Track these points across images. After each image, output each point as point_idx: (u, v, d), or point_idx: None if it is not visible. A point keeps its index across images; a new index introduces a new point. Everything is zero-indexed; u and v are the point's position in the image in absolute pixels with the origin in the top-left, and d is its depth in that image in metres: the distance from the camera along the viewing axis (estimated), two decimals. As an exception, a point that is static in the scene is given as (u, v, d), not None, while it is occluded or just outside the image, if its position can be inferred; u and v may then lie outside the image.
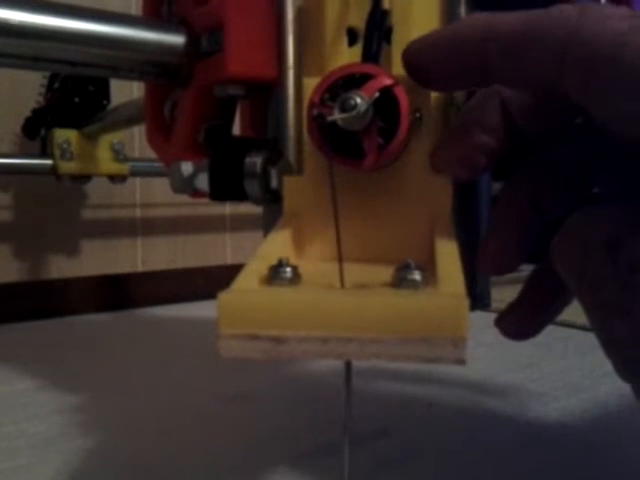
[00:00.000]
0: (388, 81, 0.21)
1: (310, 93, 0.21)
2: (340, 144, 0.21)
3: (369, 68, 0.21)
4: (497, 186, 0.29)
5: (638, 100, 0.17)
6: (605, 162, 0.22)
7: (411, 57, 0.21)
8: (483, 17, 0.20)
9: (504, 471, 0.34)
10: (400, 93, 0.21)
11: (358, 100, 0.20)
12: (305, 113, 0.22)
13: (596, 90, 0.18)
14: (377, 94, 0.20)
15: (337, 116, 0.20)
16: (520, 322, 0.25)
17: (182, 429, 0.40)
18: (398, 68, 0.26)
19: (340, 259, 0.19)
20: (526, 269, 0.25)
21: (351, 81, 0.21)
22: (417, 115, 0.23)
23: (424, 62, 0.21)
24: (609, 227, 0.18)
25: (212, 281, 0.92)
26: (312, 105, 0.21)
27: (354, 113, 0.20)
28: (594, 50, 0.17)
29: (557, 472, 0.33)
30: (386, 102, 0.21)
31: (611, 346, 0.19)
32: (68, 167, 0.73)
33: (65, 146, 0.73)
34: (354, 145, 0.21)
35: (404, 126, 0.21)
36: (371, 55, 0.23)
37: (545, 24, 0.18)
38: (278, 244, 0.21)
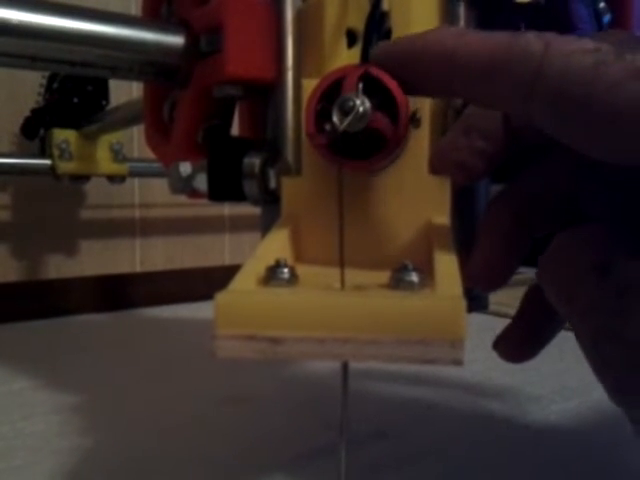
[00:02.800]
0: (360, 70, 0.21)
1: (309, 95, 0.21)
2: (342, 147, 0.21)
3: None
4: (495, 189, 0.29)
5: (612, 135, 0.16)
6: (590, 182, 0.22)
7: (379, 62, 0.21)
8: (450, 38, 0.19)
9: (502, 474, 0.34)
10: (390, 83, 0.20)
11: (357, 101, 0.20)
12: (304, 115, 0.22)
13: (566, 127, 0.17)
14: (360, 85, 0.20)
15: (345, 123, 0.20)
16: (518, 345, 0.25)
17: (179, 430, 0.40)
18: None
19: (342, 260, 0.19)
20: (523, 271, 0.25)
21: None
22: (416, 117, 0.23)
23: (391, 68, 0.21)
24: (598, 250, 0.18)
25: (211, 282, 0.92)
26: (315, 113, 0.21)
27: (354, 113, 0.20)
28: (561, 89, 0.17)
29: (556, 475, 0.33)
30: (385, 102, 0.21)
31: (603, 371, 0.19)
32: (67, 167, 0.73)
33: (64, 146, 0.73)
34: (354, 146, 0.21)
35: (403, 117, 0.20)
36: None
37: (509, 59, 0.18)
38: (276, 245, 0.21)
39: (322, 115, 0.21)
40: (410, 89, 0.21)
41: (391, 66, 0.20)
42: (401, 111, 0.20)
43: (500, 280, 0.23)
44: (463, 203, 0.27)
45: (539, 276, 0.20)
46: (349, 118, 0.20)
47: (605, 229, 0.19)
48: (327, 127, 0.21)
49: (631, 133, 0.16)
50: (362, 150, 0.21)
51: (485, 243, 0.23)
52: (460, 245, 0.20)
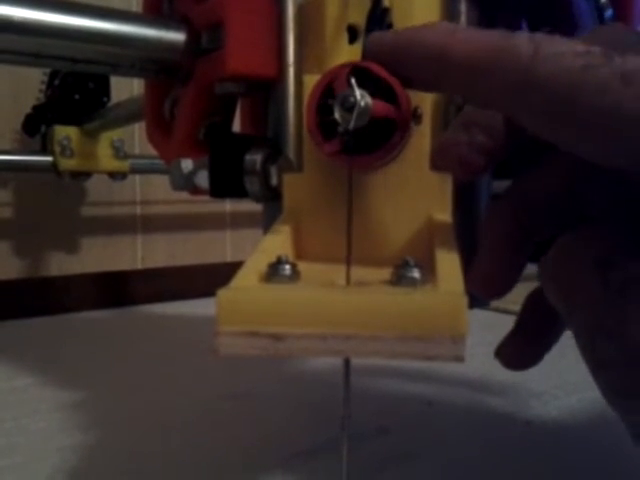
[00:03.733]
0: (347, 67, 0.20)
1: (310, 91, 0.21)
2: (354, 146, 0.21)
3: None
4: (497, 184, 0.29)
5: (597, 138, 0.16)
6: (590, 181, 0.21)
7: (370, 53, 0.21)
8: (441, 34, 0.19)
9: (504, 470, 0.34)
10: (378, 70, 0.20)
11: (357, 96, 0.20)
12: (305, 111, 0.22)
13: (552, 129, 0.17)
14: (353, 79, 0.20)
15: (352, 122, 0.20)
16: (519, 353, 0.25)
17: (181, 427, 0.40)
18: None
19: (349, 257, 0.19)
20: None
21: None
22: (417, 113, 0.23)
23: (382, 60, 0.21)
24: (599, 248, 0.18)
25: (212, 278, 0.92)
26: (316, 110, 0.21)
27: (357, 108, 0.20)
28: (549, 91, 0.17)
29: (557, 471, 0.33)
30: (379, 89, 0.20)
31: (599, 368, 0.19)
32: (68, 164, 0.73)
33: (65, 143, 0.73)
34: (364, 141, 0.21)
35: (402, 98, 0.20)
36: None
37: (498, 60, 0.18)
38: (277, 241, 0.21)
39: (323, 111, 0.21)
40: (402, 82, 0.21)
41: (382, 58, 0.21)
42: (397, 91, 0.20)
43: (501, 291, 0.23)
44: (465, 199, 0.27)
45: (539, 274, 0.20)
46: (354, 115, 0.20)
47: (607, 227, 0.19)
48: (339, 129, 0.21)
49: (615, 137, 0.16)
50: (372, 142, 0.21)
51: (485, 254, 0.23)
52: (461, 241, 0.20)
